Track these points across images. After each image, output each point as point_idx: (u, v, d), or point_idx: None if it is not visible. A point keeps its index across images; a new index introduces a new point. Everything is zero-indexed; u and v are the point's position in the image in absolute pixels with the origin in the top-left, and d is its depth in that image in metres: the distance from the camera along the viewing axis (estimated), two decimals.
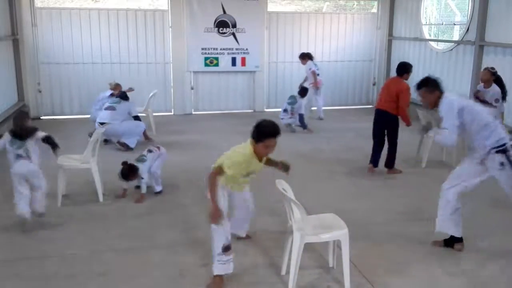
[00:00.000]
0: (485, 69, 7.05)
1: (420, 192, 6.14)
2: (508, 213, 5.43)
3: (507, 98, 7.18)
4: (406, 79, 6.68)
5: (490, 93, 6.83)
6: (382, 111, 6.66)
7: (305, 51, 10.77)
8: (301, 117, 9.37)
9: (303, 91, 9.53)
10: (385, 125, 6.70)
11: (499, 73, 7.91)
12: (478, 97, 7.05)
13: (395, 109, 6.53)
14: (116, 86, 8.81)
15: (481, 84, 7.06)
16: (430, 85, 4.41)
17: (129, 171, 5.61)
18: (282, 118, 9.33)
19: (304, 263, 3.97)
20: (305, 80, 10.47)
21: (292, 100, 9.36)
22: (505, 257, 4.37)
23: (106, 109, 7.97)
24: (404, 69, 6.66)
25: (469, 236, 4.80)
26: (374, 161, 6.80)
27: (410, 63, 6.93)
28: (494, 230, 4.99)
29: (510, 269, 4.18)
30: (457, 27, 10.64)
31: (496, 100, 6.73)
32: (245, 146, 3.71)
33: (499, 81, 6.91)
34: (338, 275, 3.91)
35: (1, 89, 9.00)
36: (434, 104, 4.40)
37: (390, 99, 6.54)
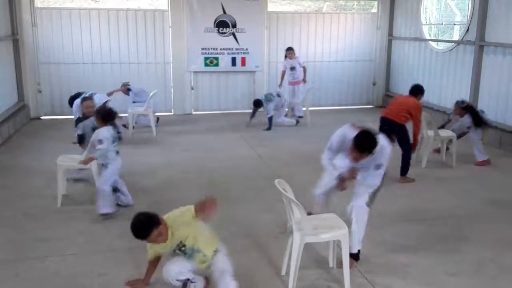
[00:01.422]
0: (456, 103, 7.42)
1: (420, 192, 6.14)
2: (506, 213, 5.44)
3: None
4: (419, 99, 6.74)
5: (463, 122, 7.32)
6: (390, 120, 6.47)
7: (298, 50, 10.89)
8: (270, 119, 9.62)
9: (257, 104, 9.69)
10: (392, 133, 6.38)
11: (498, 73, 8.45)
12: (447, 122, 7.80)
13: (403, 120, 6.45)
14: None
15: (457, 116, 7.50)
16: (375, 148, 3.91)
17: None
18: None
19: (304, 263, 3.97)
20: (283, 76, 10.55)
21: (269, 98, 9.63)
22: (505, 257, 4.37)
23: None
24: (419, 90, 6.78)
25: (469, 236, 4.82)
26: None
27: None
28: (493, 230, 4.98)
29: (509, 269, 4.18)
30: (457, 27, 10.64)
31: (468, 127, 7.25)
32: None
33: (471, 110, 7.30)
34: (338, 275, 3.91)
35: (1, 89, 9.00)
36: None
37: (400, 111, 6.45)
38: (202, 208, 3.33)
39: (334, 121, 10.63)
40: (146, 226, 3.30)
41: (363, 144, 3.87)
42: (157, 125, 9.57)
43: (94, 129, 5.77)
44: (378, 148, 3.93)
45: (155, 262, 3.67)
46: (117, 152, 5.22)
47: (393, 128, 6.45)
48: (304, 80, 10.56)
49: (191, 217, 3.36)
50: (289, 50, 10.43)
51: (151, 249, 3.58)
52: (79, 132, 5.96)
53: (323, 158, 4.37)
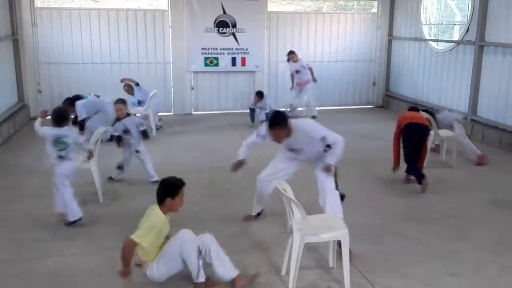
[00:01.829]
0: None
1: (420, 192, 6.14)
2: (507, 213, 5.44)
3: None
4: None
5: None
6: (418, 124, 6.31)
7: (298, 50, 10.89)
8: (267, 115, 9.68)
9: (260, 94, 9.88)
10: (423, 137, 6.35)
11: (498, 73, 8.51)
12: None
13: (428, 124, 6.48)
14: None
15: None
16: (285, 122, 4.41)
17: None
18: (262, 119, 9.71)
19: (304, 263, 3.97)
20: (293, 78, 10.59)
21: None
22: (505, 257, 4.37)
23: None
24: (417, 109, 6.87)
25: (469, 236, 4.82)
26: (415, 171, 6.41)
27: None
28: (493, 230, 4.98)
29: (510, 269, 4.18)
30: (457, 27, 10.64)
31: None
32: (156, 214, 3.69)
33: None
34: (338, 275, 3.91)
35: (1, 89, 9.00)
36: (285, 137, 4.47)
37: (421, 117, 6.46)
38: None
39: (334, 121, 10.63)
40: (178, 182, 3.69)
41: (271, 120, 4.39)
42: (161, 126, 9.58)
43: (125, 131, 6.12)
44: (294, 127, 4.38)
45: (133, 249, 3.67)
46: (60, 157, 4.91)
47: (421, 131, 6.28)
48: (314, 79, 10.47)
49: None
50: (290, 54, 10.40)
51: (150, 236, 3.64)
52: (116, 134, 6.18)
53: (247, 140, 4.92)
